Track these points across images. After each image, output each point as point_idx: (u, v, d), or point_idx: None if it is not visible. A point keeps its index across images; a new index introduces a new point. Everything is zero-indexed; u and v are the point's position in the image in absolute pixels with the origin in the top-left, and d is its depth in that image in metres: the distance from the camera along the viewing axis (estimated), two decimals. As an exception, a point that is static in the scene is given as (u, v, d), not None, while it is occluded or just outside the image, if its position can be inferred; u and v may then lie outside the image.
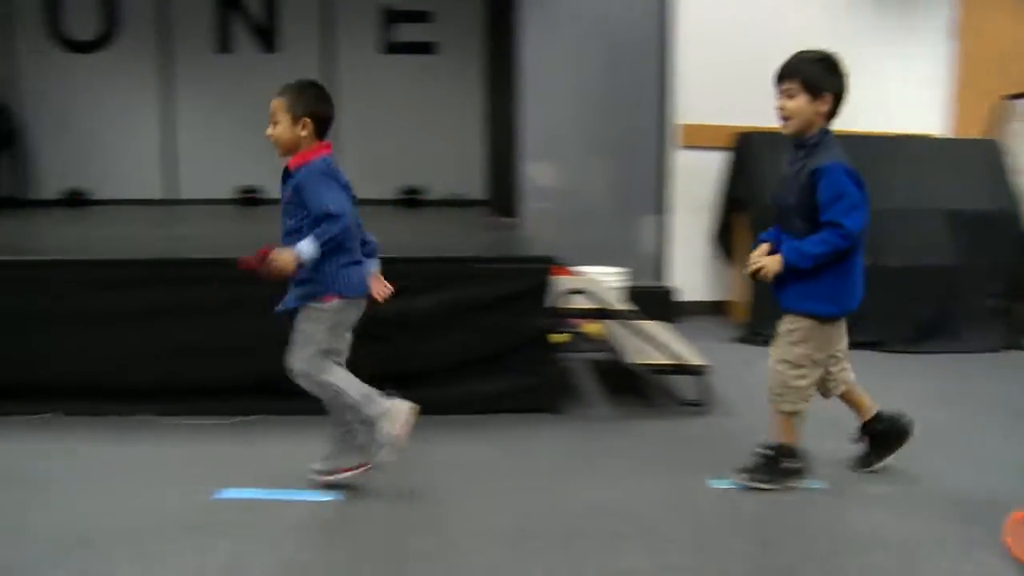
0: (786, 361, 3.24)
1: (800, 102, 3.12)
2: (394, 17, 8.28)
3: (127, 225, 6.73)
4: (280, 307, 3.15)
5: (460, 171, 8.16)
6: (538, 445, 3.87)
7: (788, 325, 3.27)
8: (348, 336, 3.22)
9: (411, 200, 8.21)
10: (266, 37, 8.23)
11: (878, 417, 3.45)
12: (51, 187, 8.32)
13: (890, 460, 3.45)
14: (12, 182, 8.38)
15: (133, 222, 6.91)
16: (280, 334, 3.13)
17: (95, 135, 8.21)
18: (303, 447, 3.42)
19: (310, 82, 3.19)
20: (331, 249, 3.02)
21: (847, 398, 3.46)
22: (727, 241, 6.38)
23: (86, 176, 8.22)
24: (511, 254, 4.55)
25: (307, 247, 2.98)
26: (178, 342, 4.08)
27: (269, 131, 3.11)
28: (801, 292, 3.20)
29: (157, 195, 8.20)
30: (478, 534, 2.95)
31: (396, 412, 3.06)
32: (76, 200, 8.18)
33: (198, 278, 4.12)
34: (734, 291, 6.28)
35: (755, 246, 3.39)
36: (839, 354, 3.35)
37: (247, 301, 3.68)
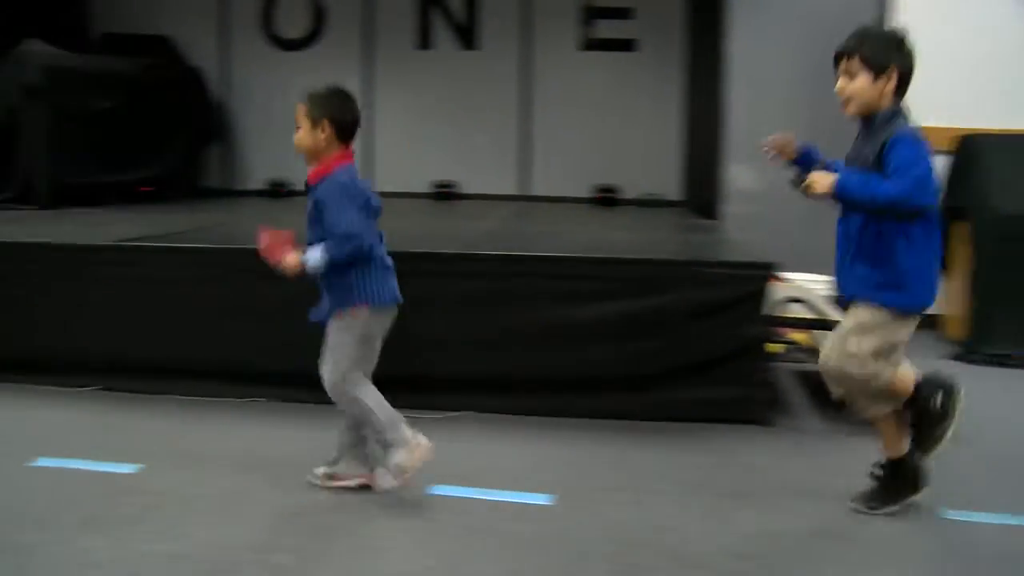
0: (849, 359, 2.94)
1: (862, 82, 2.85)
2: (594, 14, 8.21)
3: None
4: (313, 316, 3.13)
5: (656, 171, 8.01)
6: (752, 459, 3.68)
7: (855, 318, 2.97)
8: (377, 346, 3.18)
9: (606, 199, 8.13)
10: (466, 34, 8.32)
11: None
12: (256, 178, 8.71)
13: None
14: (222, 173, 8.83)
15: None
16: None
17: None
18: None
19: (334, 88, 3.12)
20: (354, 261, 3.01)
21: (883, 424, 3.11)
22: (943, 252, 5.97)
23: (288, 168, 8.54)
24: (728, 259, 4.37)
25: (314, 258, 2.98)
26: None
27: (295, 136, 3.08)
28: (879, 281, 2.91)
29: (355, 188, 8.42)
30: (705, 554, 2.80)
31: (415, 446, 3.02)
32: (278, 191, 8.52)
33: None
34: (950, 305, 5.87)
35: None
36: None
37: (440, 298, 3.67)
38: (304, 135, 3.05)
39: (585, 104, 8.03)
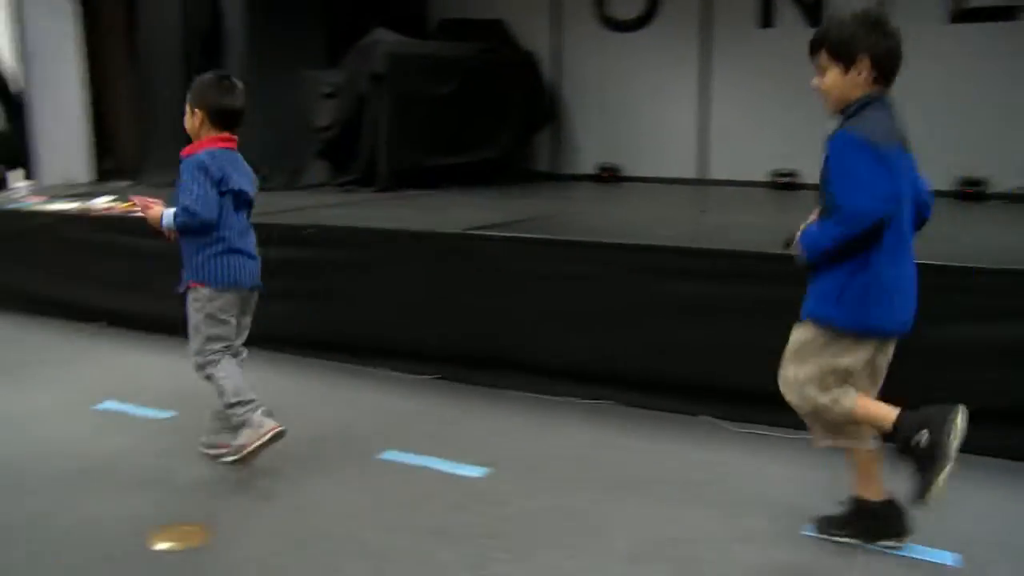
0: (802, 386, 2.62)
1: (832, 76, 2.55)
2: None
3: (658, 206, 6.59)
4: (174, 288, 3.38)
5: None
6: None
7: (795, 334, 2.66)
8: (235, 324, 3.36)
9: (973, 193, 7.13)
10: (812, 11, 7.61)
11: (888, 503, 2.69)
12: (585, 163, 8.52)
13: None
14: (551, 157, 8.73)
15: (663, 202, 6.79)
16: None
17: (630, 112, 8.22)
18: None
19: (214, 77, 3.38)
20: (198, 237, 3.24)
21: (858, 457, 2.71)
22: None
23: (618, 153, 8.28)
24: None
25: (168, 215, 3.25)
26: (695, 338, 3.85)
27: None
28: (816, 292, 2.61)
29: (688, 174, 8.00)
30: None
31: (259, 426, 3.15)
32: (607, 176, 8.27)
33: (724, 272, 3.83)
34: None
35: None
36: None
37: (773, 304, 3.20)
38: (186, 119, 3.37)
39: (954, 83, 7.08)
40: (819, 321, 2.57)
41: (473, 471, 3.27)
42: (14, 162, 7.21)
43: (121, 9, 9.39)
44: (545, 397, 4.10)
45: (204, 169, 3.20)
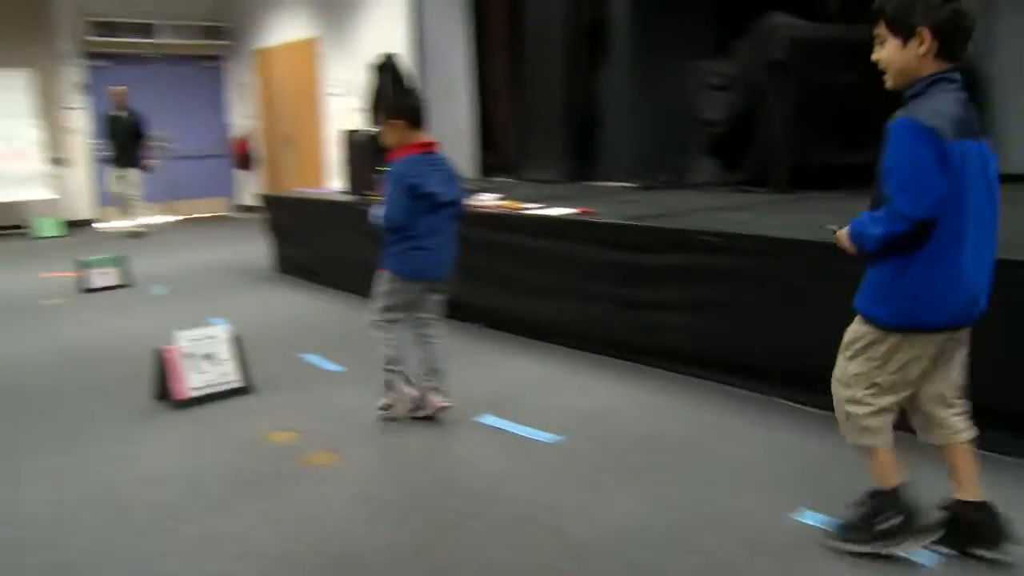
0: (837, 380, 2.59)
1: (890, 48, 2.40)
2: None
3: None
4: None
5: None
6: None
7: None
8: (421, 306, 3.82)
9: None
10: None
11: (981, 506, 2.48)
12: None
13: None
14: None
15: None
16: None
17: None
18: None
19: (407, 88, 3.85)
20: (392, 233, 3.65)
21: (950, 456, 2.51)
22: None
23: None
24: None
25: (375, 213, 3.64)
26: None
27: None
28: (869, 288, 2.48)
29: None
30: None
31: (401, 397, 3.87)
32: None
33: None
34: None
35: None
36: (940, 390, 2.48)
37: None
38: (383, 133, 3.67)
39: None
40: (868, 318, 2.49)
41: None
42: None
43: (505, 6, 9.52)
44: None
45: (399, 177, 3.57)
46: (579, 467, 3.33)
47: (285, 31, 12.93)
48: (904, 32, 2.35)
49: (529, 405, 4.07)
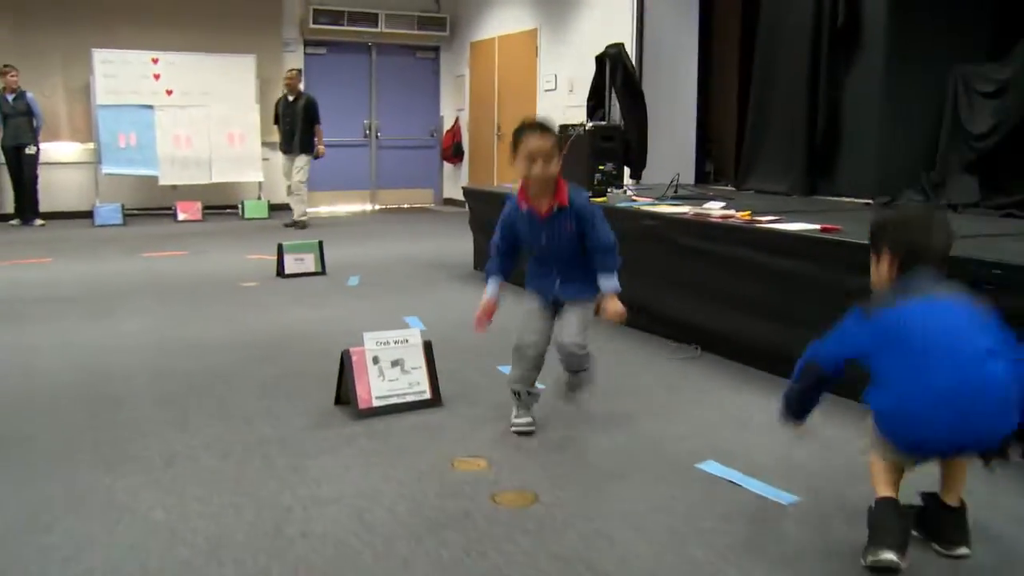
0: None
1: (872, 266, 2.75)
2: None
3: None
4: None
5: None
6: None
7: None
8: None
9: None
10: None
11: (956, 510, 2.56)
12: None
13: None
14: None
15: None
16: None
17: None
18: None
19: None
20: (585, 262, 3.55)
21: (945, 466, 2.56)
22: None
23: None
24: None
25: (614, 283, 3.51)
26: None
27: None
28: None
29: None
30: None
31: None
32: None
33: None
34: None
35: None
36: None
37: None
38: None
39: None
40: None
41: None
42: (631, 162, 6.86)
43: (738, 8, 8.81)
44: None
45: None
46: (821, 539, 2.64)
47: (504, 22, 12.64)
48: (875, 251, 2.72)
49: (757, 451, 3.39)
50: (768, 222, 4.80)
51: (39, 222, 11.44)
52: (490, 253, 3.69)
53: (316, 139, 10.99)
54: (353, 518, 2.80)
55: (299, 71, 11.37)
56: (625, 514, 2.86)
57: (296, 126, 10.89)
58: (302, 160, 10.96)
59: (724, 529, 2.76)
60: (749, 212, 5.08)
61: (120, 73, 11.93)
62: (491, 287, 3.61)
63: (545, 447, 3.46)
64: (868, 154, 6.92)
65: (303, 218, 11.12)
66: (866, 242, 3.95)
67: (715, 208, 5.31)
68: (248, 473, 3.17)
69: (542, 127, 3.41)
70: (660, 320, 5.26)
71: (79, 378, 4.40)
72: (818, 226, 4.50)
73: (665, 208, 5.59)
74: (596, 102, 7.85)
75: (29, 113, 11.28)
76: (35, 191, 11.50)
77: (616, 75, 7.43)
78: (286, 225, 11.02)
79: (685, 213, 5.29)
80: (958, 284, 2.60)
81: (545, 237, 3.50)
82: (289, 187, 11.15)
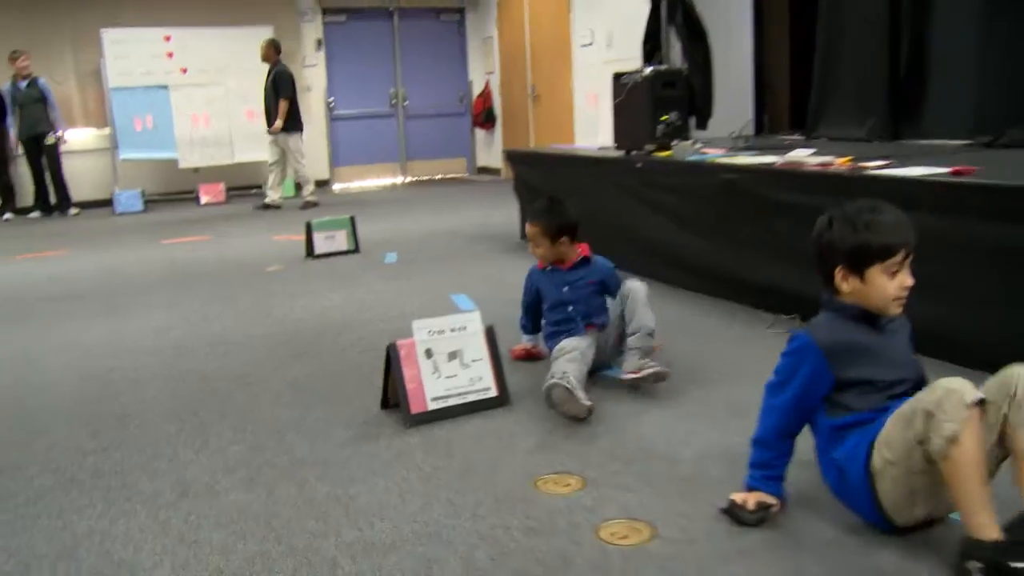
0: None
1: None
2: None
3: None
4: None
5: None
6: None
7: None
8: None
9: None
10: None
11: None
12: None
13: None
14: None
15: None
16: None
17: None
18: None
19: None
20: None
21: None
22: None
23: None
24: None
25: None
26: None
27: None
28: None
29: None
30: None
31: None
32: None
33: None
34: None
35: None
36: None
37: None
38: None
39: None
40: None
41: None
42: (696, 110, 6.11)
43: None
44: None
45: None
46: None
47: (532, -23, 11.85)
48: None
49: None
50: (876, 168, 4.06)
51: (74, 211, 11.01)
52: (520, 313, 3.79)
53: (277, 112, 10.08)
54: (415, 567, 2.14)
55: (270, 41, 10.49)
56: (754, 549, 2.17)
57: (271, 103, 10.12)
58: (292, 143, 10.20)
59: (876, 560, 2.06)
60: (849, 158, 4.32)
61: (131, 53, 11.31)
62: (527, 339, 3.80)
63: (647, 455, 2.77)
64: (961, 91, 6.11)
65: (312, 199, 10.44)
66: (1014, 184, 3.28)
67: (806, 156, 4.56)
68: (280, 509, 2.51)
69: (536, 213, 3.55)
70: (750, 289, 4.55)
71: (82, 390, 3.78)
72: (947, 168, 3.75)
73: (745, 159, 4.85)
74: (652, 45, 7.07)
75: (43, 100, 10.71)
76: (62, 180, 10.99)
77: (675, 14, 6.65)
78: (301, 208, 10.17)
79: (773, 164, 4.55)
80: None
81: (568, 288, 3.54)
82: (272, 175, 10.41)
